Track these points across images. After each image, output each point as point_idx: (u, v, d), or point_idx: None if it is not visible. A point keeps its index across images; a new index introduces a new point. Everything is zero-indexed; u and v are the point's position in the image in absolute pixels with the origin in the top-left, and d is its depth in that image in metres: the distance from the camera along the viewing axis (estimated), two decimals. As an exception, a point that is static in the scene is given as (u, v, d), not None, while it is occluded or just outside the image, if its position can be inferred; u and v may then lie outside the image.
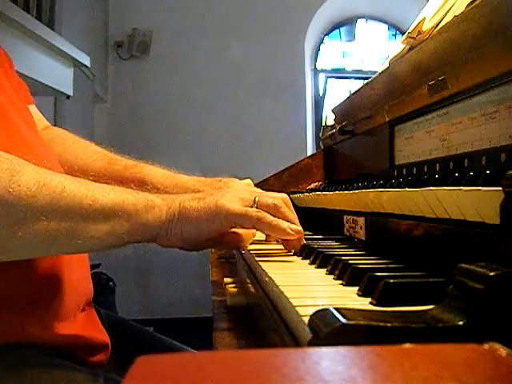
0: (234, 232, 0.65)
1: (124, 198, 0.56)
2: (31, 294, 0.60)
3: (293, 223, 0.64)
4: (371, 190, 0.64)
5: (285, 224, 0.62)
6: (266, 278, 0.48)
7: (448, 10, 0.76)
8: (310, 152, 3.63)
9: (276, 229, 0.61)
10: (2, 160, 0.49)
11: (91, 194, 0.54)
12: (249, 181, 0.85)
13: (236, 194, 0.63)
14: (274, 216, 0.62)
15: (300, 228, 0.64)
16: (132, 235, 0.57)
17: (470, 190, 0.40)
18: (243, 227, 0.64)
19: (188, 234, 0.59)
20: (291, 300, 0.37)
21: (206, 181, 0.81)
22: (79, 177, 0.74)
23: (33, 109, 0.85)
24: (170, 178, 0.82)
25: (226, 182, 0.81)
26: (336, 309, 0.28)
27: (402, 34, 3.77)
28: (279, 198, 0.65)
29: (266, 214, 0.61)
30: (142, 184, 0.79)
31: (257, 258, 0.61)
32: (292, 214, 0.65)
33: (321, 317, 0.28)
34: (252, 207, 0.62)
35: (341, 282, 0.46)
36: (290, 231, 0.62)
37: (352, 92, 1.03)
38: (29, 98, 0.85)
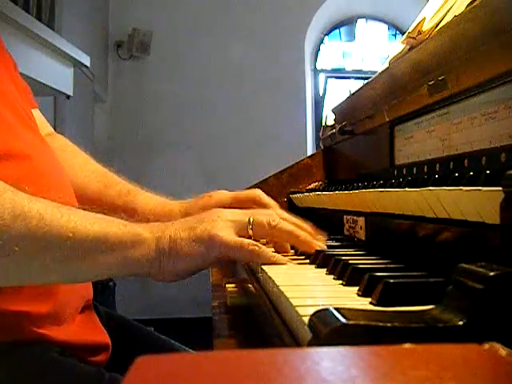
0: None
1: (109, 231, 0.53)
2: (32, 304, 0.60)
3: (297, 236, 0.62)
4: (371, 189, 0.64)
5: (284, 259, 0.59)
6: (266, 278, 0.48)
7: (448, 10, 0.76)
8: (310, 152, 3.63)
9: (275, 263, 0.58)
10: None
11: (72, 225, 0.51)
12: (232, 193, 0.81)
13: (228, 218, 0.59)
14: (271, 233, 0.60)
15: (304, 237, 0.62)
16: (117, 270, 0.54)
17: (470, 190, 0.40)
18: (238, 260, 0.61)
19: (181, 268, 0.56)
20: (291, 300, 0.37)
21: (192, 201, 0.80)
22: (76, 197, 0.72)
23: (36, 113, 0.84)
24: (160, 205, 0.80)
25: (209, 195, 0.78)
26: (336, 309, 0.28)
27: (402, 34, 3.77)
28: (274, 215, 0.62)
29: (264, 247, 0.58)
30: (133, 213, 0.77)
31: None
32: (292, 226, 0.62)
33: (321, 317, 0.28)
34: (247, 230, 0.59)
35: (341, 282, 0.46)
36: (289, 263, 0.59)
37: (352, 92, 1.03)
38: (32, 102, 0.85)
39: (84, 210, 0.56)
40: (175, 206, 0.80)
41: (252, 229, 0.59)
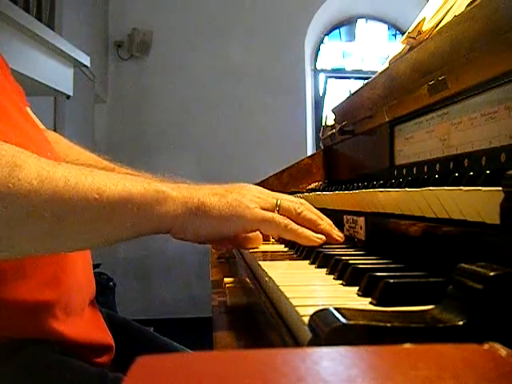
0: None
1: (133, 190, 0.54)
2: (40, 291, 0.61)
3: (318, 225, 0.63)
4: (371, 189, 0.63)
5: (308, 232, 0.61)
6: (266, 278, 0.48)
7: (448, 10, 0.76)
8: (310, 152, 3.63)
9: (301, 237, 0.60)
10: (3, 154, 0.48)
11: (97, 186, 0.51)
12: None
13: (256, 194, 0.60)
14: (295, 219, 0.61)
15: (324, 226, 0.63)
16: (142, 228, 0.55)
17: (470, 190, 0.40)
18: (264, 232, 0.63)
19: (206, 230, 0.57)
20: (291, 300, 0.37)
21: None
22: None
23: (29, 111, 0.85)
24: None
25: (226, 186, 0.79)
26: (336, 309, 0.28)
27: (402, 34, 3.77)
28: (299, 203, 0.64)
29: (291, 221, 0.60)
30: None
31: (257, 259, 0.61)
32: (314, 216, 0.63)
33: (321, 317, 0.28)
34: (274, 211, 0.60)
35: (341, 282, 0.46)
36: (315, 239, 0.61)
37: (352, 92, 1.03)
38: (25, 101, 0.86)
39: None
40: None
41: (278, 211, 0.60)
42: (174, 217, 0.55)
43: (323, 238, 0.61)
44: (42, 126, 0.92)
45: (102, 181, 0.52)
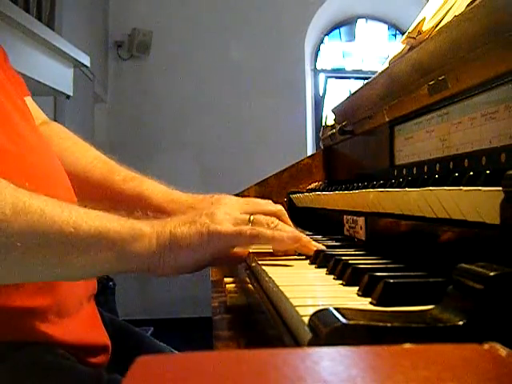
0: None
1: (109, 227, 0.53)
2: (33, 299, 0.60)
3: (295, 237, 0.61)
4: (371, 189, 0.63)
5: (283, 234, 0.60)
6: (266, 278, 0.48)
7: (448, 10, 0.76)
8: (309, 152, 3.63)
9: (274, 241, 0.59)
10: None
11: (73, 220, 0.51)
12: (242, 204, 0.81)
13: (227, 211, 0.60)
14: None
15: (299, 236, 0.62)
16: (117, 265, 0.54)
17: (470, 190, 0.40)
18: (240, 246, 0.61)
19: (182, 262, 0.56)
20: (291, 300, 0.37)
21: (199, 197, 0.78)
22: (79, 183, 0.73)
23: (29, 101, 0.82)
24: (166, 193, 0.78)
25: (217, 198, 0.75)
26: (336, 309, 0.28)
27: (402, 34, 3.77)
28: (273, 217, 0.63)
29: (261, 228, 0.58)
30: (139, 198, 0.77)
31: (257, 259, 0.61)
32: (288, 227, 0.63)
33: (321, 317, 0.28)
34: (246, 225, 0.59)
35: (341, 282, 0.46)
36: (288, 240, 0.60)
37: (352, 92, 1.03)
38: (24, 90, 0.83)
39: (84, 207, 0.56)
40: (182, 196, 0.78)
41: (251, 225, 0.60)
42: (150, 254, 0.54)
43: (299, 236, 0.60)
44: (44, 117, 0.89)
45: (79, 215, 0.52)
